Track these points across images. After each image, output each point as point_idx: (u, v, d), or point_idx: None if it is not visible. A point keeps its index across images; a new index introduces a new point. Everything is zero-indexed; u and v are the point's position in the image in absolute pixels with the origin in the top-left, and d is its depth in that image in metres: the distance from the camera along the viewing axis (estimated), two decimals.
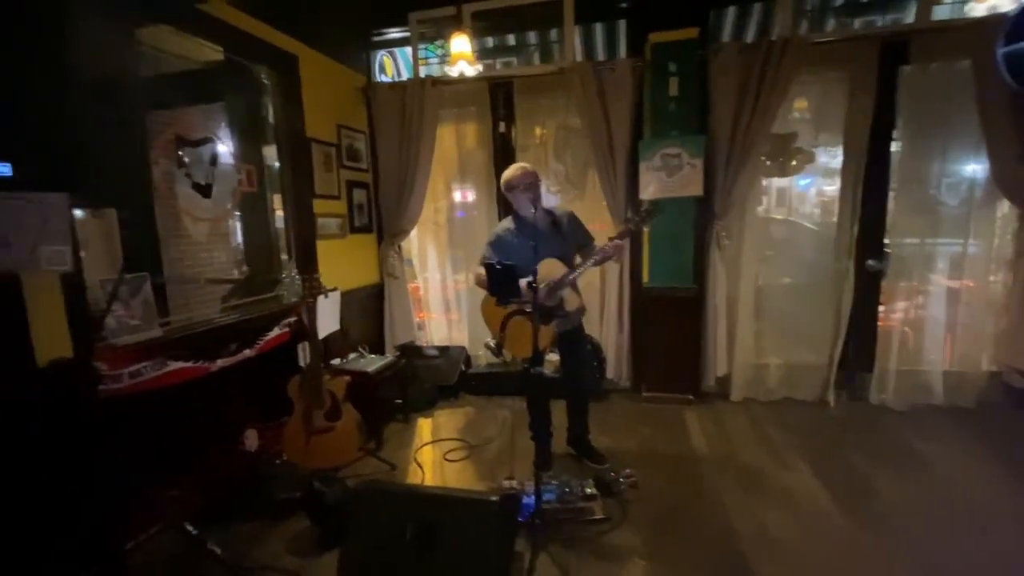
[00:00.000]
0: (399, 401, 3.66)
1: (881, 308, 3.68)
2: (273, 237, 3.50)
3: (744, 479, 2.72)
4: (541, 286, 2.47)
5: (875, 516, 2.36)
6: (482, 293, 2.56)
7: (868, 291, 3.63)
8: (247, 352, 2.83)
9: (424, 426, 3.57)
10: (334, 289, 2.89)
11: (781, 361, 3.83)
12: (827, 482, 2.65)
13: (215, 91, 3.14)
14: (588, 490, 2.46)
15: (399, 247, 4.23)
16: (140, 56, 2.80)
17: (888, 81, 3.40)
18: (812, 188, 3.85)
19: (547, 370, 2.18)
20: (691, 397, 3.74)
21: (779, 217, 3.88)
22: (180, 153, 2.67)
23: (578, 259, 2.51)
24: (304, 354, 3.25)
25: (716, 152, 3.53)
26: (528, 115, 3.94)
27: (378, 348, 4.12)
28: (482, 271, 2.47)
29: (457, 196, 4.38)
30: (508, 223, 2.72)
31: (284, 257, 3.51)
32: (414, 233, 4.35)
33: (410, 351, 4.22)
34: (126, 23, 2.62)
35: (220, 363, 2.66)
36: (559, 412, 2.92)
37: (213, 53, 3.09)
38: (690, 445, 3.13)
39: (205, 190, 2.77)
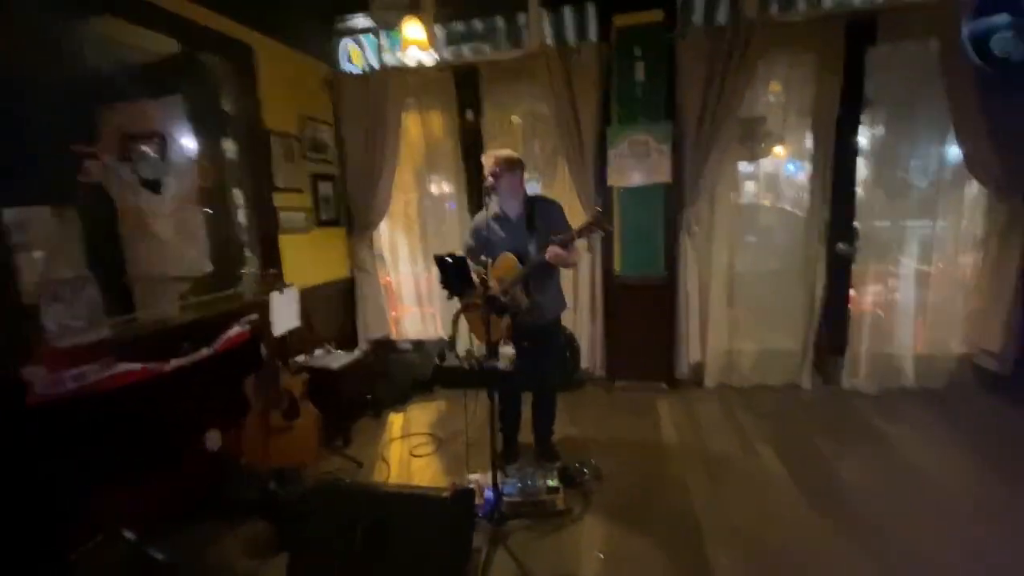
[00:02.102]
0: (371, 397, 3.61)
1: (852, 292, 3.67)
2: (236, 232, 3.43)
3: (711, 467, 2.71)
4: (491, 282, 2.42)
5: (840, 504, 2.35)
6: None
7: (839, 275, 3.61)
8: (204, 351, 2.77)
9: (395, 422, 3.53)
10: (290, 285, 2.83)
11: (754, 347, 3.82)
12: (795, 469, 2.64)
13: (165, 83, 3.04)
14: (551, 482, 2.44)
15: (370, 240, 4.16)
16: (81, 48, 2.72)
17: (856, 62, 3.36)
18: (783, 172, 3.81)
19: (502, 363, 2.12)
20: (664, 385, 3.73)
21: (750, 203, 3.84)
22: (127, 148, 2.59)
23: (527, 260, 2.44)
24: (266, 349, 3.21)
25: (684, 138, 3.49)
26: (496, 103, 3.86)
27: (351, 343, 4.07)
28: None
29: (433, 188, 4.30)
30: (485, 212, 2.65)
31: (248, 253, 3.44)
32: (385, 226, 4.28)
33: (384, 346, 4.17)
34: (65, 14, 2.54)
35: (174, 363, 2.60)
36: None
37: (162, 44, 2.99)
38: (660, 434, 3.12)
39: (154, 186, 2.68)
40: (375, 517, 1.90)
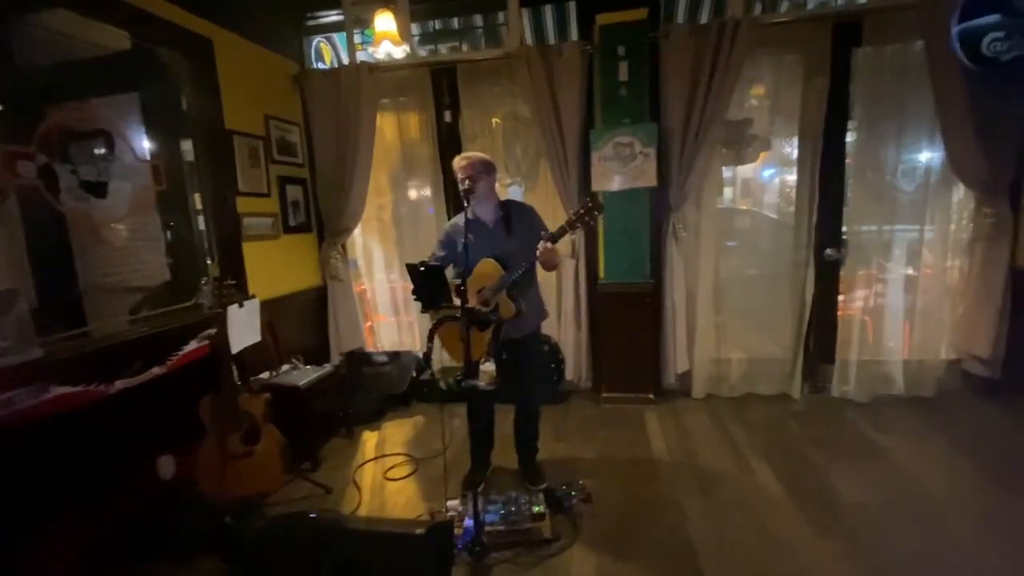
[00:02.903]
0: (343, 414, 3.39)
1: (841, 298, 3.59)
2: (197, 239, 3.19)
3: (705, 485, 2.56)
4: (480, 290, 2.26)
5: (841, 523, 2.22)
6: None
7: (827, 281, 3.53)
8: (156, 370, 2.53)
9: (369, 440, 3.32)
10: (251, 297, 2.61)
11: (743, 356, 3.72)
12: (788, 483, 2.52)
13: (115, 80, 2.82)
14: (536, 508, 2.26)
15: (342, 247, 3.94)
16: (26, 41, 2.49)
17: (842, 64, 3.29)
18: (770, 176, 3.73)
19: (482, 381, 1.95)
20: (652, 396, 3.59)
21: (736, 207, 3.75)
22: (66, 148, 2.35)
23: (511, 266, 2.27)
24: (235, 365, 2.97)
25: (670, 140, 3.37)
26: (474, 103, 3.70)
27: (323, 356, 3.84)
28: None
29: (411, 192, 4.11)
30: (458, 218, 2.47)
31: (209, 262, 3.21)
32: (358, 232, 4.07)
33: (358, 358, 3.95)
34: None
35: (120, 384, 2.36)
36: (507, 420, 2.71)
37: (113, 38, 2.77)
38: (649, 449, 2.97)
39: (98, 189, 2.44)
40: (342, 557, 1.71)
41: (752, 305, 3.69)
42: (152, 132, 2.93)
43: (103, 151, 2.49)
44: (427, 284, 1.91)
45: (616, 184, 3.41)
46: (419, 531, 1.71)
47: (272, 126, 3.50)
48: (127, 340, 2.53)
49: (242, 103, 3.22)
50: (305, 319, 3.85)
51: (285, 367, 3.13)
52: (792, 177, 3.60)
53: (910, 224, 3.45)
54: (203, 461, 2.29)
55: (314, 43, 4.20)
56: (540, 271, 2.43)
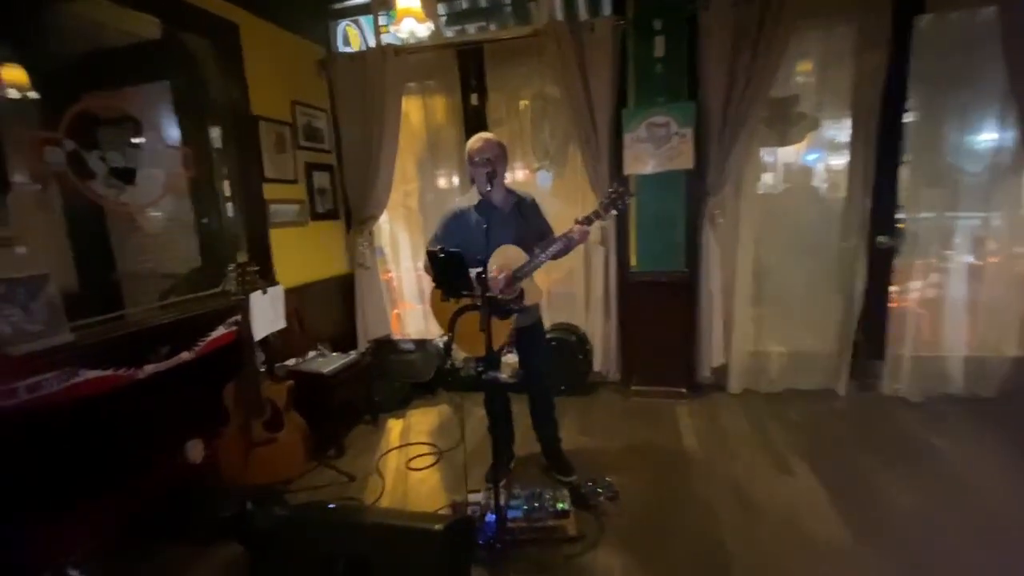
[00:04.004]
0: (369, 402, 3.39)
1: (894, 288, 3.33)
2: (226, 226, 3.21)
3: (740, 487, 2.42)
4: (501, 276, 2.17)
5: (884, 530, 2.06)
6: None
7: (879, 270, 3.28)
8: (185, 355, 2.55)
9: (394, 428, 3.30)
10: (274, 284, 2.60)
11: (784, 349, 3.51)
12: (831, 487, 2.35)
13: (142, 66, 2.83)
14: (560, 505, 2.18)
15: (369, 234, 3.92)
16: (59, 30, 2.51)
17: (902, 34, 3.01)
18: (817, 158, 3.48)
19: (504, 373, 1.86)
20: (684, 390, 3.43)
21: (780, 191, 3.52)
22: (94, 134, 2.37)
23: (537, 248, 2.18)
24: (263, 351, 2.99)
25: (708, 120, 3.17)
26: (501, 85, 3.58)
27: (350, 344, 3.84)
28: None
29: (437, 179, 4.03)
30: (464, 202, 2.39)
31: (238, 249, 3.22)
32: (385, 219, 4.04)
33: (384, 346, 3.93)
34: None
35: (151, 369, 2.39)
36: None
37: (142, 26, 2.77)
38: (680, 445, 2.84)
39: (126, 176, 2.46)
40: (358, 552, 1.67)
41: (794, 295, 3.47)
42: (181, 119, 2.94)
43: (131, 138, 2.50)
44: (448, 271, 1.83)
45: (650, 167, 3.25)
46: (437, 527, 1.65)
47: (298, 112, 3.48)
48: (157, 325, 2.56)
49: (268, 88, 3.20)
50: (332, 306, 3.85)
51: (311, 354, 3.13)
52: (838, 160, 3.35)
53: (974, 210, 3.16)
54: (226, 447, 2.30)
55: (341, 27, 4.14)
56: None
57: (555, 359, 3.47)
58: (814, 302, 3.46)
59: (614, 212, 2.10)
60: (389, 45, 3.52)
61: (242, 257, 3.12)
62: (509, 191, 2.36)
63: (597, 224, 3.37)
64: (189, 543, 2.19)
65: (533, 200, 2.41)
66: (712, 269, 3.35)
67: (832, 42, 3.20)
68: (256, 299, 2.37)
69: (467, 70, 3.59)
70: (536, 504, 2.20)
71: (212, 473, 2.42)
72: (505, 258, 2.18)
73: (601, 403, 3.46)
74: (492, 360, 1.86)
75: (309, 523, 1.80)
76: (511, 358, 1.88)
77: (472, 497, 2.30)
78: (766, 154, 3.44)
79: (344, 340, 3.79)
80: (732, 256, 3.40)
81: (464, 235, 2.27)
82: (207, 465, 2.48)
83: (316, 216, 3.65)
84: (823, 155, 3.48)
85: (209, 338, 2.67)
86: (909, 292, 3.32)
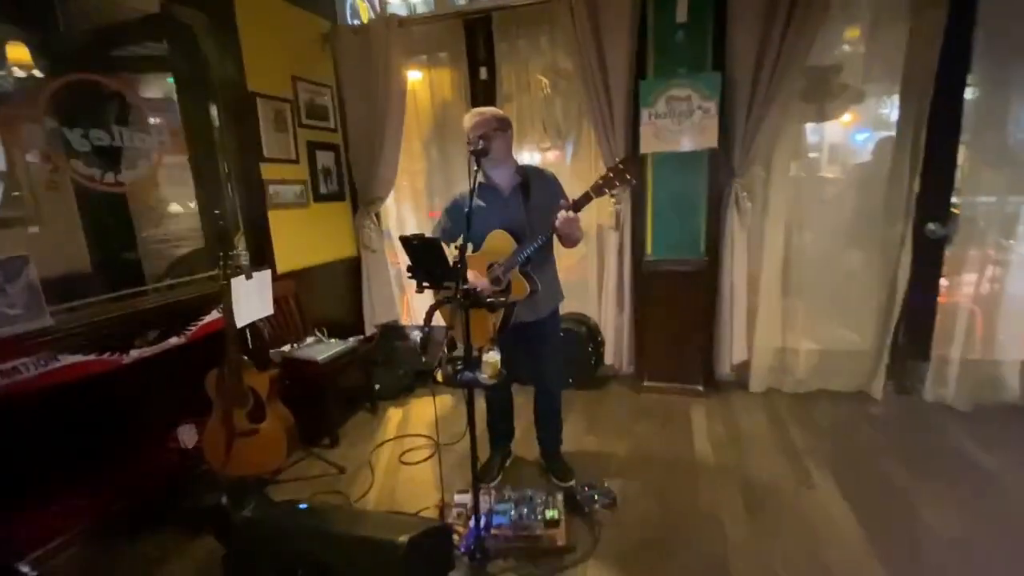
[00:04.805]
0: (369, 390, 3.30)
1: (944, 282, 2.98)
2: (229, 207, 3.14)
3: (753, 498, 2.21)
4: (490, 266, 2.00)
5: (916, 554, 1.82)
6: None
7: (927, 261, 2.93)
8: (174, 340, 2.50)
9: (394, 418, 3.20)
10: (260, 268, 2.50)
11: (813, 346, 3.22)
12: (858, 505, 2.10)
13: (135, 39, 2.75)
14: (550, 513, 2.02)
15: (376, 216, 3.79)
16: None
17: None
18: (865, 140, 3.12)
19: (484, 374, 1.70)
20: (700, 388, 3.20)
21: (816, 172, 3.18)
22: (77, 111, 2.29)
23: (525, 240, 1.99)
24: (255, 337, 2.92)
25: (735, 93, 2.87)
26: (511, 58, 3.34)
27: (357, 329, 3.76)
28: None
29: (444, 159, 3.85)
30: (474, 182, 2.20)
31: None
32: (392, 201, 3.90)
33: (391, 331, 3.83)
34: None
35: (136, 354, 2.34)
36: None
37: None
38: (691, 449, 2.63)
39: (111, 154, 2.38)
40: (319, 560, 1.56)
41: (828, 287, 3.16)
42: (175, 96, 2.86)
43: (118, 115, 2.41)
44: (421, 260, 1.67)
45: (669, 145, 2.98)
46: (402, 539, 1.52)
47: (300, 88, 3.34)
48: (147, 309, 2.51)
49: (267, 64, 3.07)
50: (338, 290, 3.77)
51: (309, 340, 3.05)
52: (884, 138, 2.99)
53: None
54: (209, 437, 2.23)
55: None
56: (558, 247, 2.14)
57: (564, 351, 3.29)
58: (850, 295, 3.15)
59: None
60: (393, 15, 3.33)
61: (240, 239, 3.08)
62: (518, 169, 2.15)
63: (611, 207, 3.22)
64: (173, 533, 2.14)
65: (548, 176, 2.17)
66: (736, 257, 3.08)
67: (882, 4, 2.83)
68: (239, 285, 2.27)
69: (475, 42, 3.36)
70: (525, 510, 2.05)
71: (198, 461, 2.37)
72: (494, 246, 2.01)
73: (611, 399, 3.27)
74: (471, 358, 1.69)
75: (275, 525, 1.71)
76: (492, 356, 1.70)
77: (459, 498, 2.18)
78: (809, 134, 3.11)
79: (350, 326, 3.71)
80: (759, 243, 3.12)
81: (457, 221, 2.10)
82: (194, 453, 2.43)
83: (319, 197, 3.54)
84: (872, 136, 3.11)
85: (201, 323, 2.62)
86: (961, 286, 2.96)
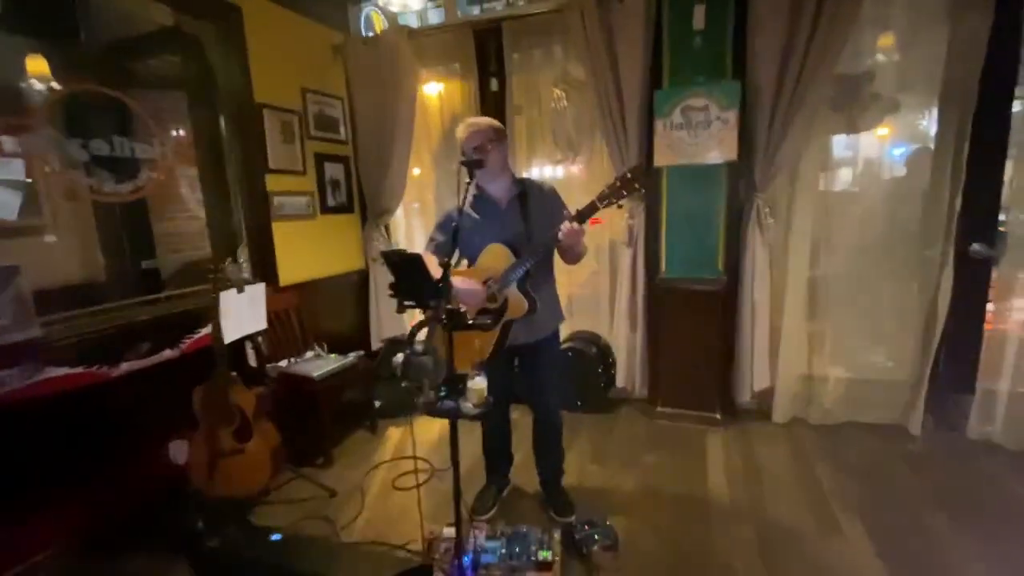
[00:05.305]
0: (378, 405, 3.20)
1: (990, 307, 2.72)
2: (236, 218, 3.11)
3: (769, 542, 2.00)
4: (486, 281, 1.88)
5: None
6: None
7: (971, 284, 2.68)
8: (168, 353, 2.45)
9: (393, 438, 3.09)
10: (251, 282, 2.44)
11: (844, 374, 2.98)
12: (890, 555, 1.88)
13: (144, 51, 2.76)
14: (543, 554, 1.86)
15: (385, 229, 3.73)
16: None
17: None
18: (903, 155, 2.90)
19: (469, 403, 1.57)
20: (718, 416, 2.99)
21: (846, 187, 2.97)
22: (76, 121, 2.29)
23: (524, 253, 1.86)
24: (252, 354, 2.87)
25: (757, 102, 2.70)
26: (521, 69, 3.26)
27: (364, 344, 3.68)
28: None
29: (454, 172, 3.78)
30: (469, 196, 2.10)
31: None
32: (402, 214, 3.84)
33: (396, 346, 3.74)
34: None
35: (126, 367, 2.30)
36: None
37: (147, 8, 2.70)
38: (704, 484, 2.43)
39: (111, 164, 2.37)
40: None
41: (859, 310, 2.92)
42: (181, 106, 2.86)
43: (119, 125, 2.41)
44: (404, 277, 1.56)
45: (684, 158, 2.82)
46: None
47: (310, 100, 3.32)
48: (136, 321, 2.46)
49: (275, 75, 3.05)
50: (345, 304, 3.70)
51: (308, 354, 2.97)
52: (922, 151, 2.77)
53: None
54: (194, 455, 2.16)
55: (364, 12, 3.96)
56: (560, 266, 2.01)
57: (572, 372, 3.14)
58: (884, 319, 2.91)
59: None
60: (404, 27, 3.29)
61: (243, 250, 3.04)
62: (516, 181, 2.05)
63: (625, 221, 3.07)
64: (152, 555, 2.06)
65: (548, 189, 2.05)
66: (757, 277, 2.88)
67: (919, 5, 2.63)
68: (229, 298, 2.21)
69: (486, 53, 3.28)
70: (517, 548, 1.90)
71: (185, 480, 2.29)
72: (489, 261, 1.89)
73: (621, 424, 3.08)
74: (454, 384, 1.57)
75: (243, 557, 1.60)
76: (478, 383, 1.57)
77: (448, 531, 2.03)
78: (842, 147, 2.91)
79: (356, 340, 3.63)
80: (783, 262, 2.92)
81: (448, 235, 1.99)
82: (181, 472, 2.36)
83: (327, 209, 3.50)
84: (910, 150, 2.89)
85: (197, 335, 2.56)
86: (1009, 312, 2.69)
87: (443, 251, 1.95)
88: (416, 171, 3.82)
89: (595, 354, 3.19)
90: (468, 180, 1.82)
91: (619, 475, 2.53)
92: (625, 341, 3.18)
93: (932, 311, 2.71)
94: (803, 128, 2.67)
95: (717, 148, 2.76)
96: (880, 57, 2.81)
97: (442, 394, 1.61)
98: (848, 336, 2.99)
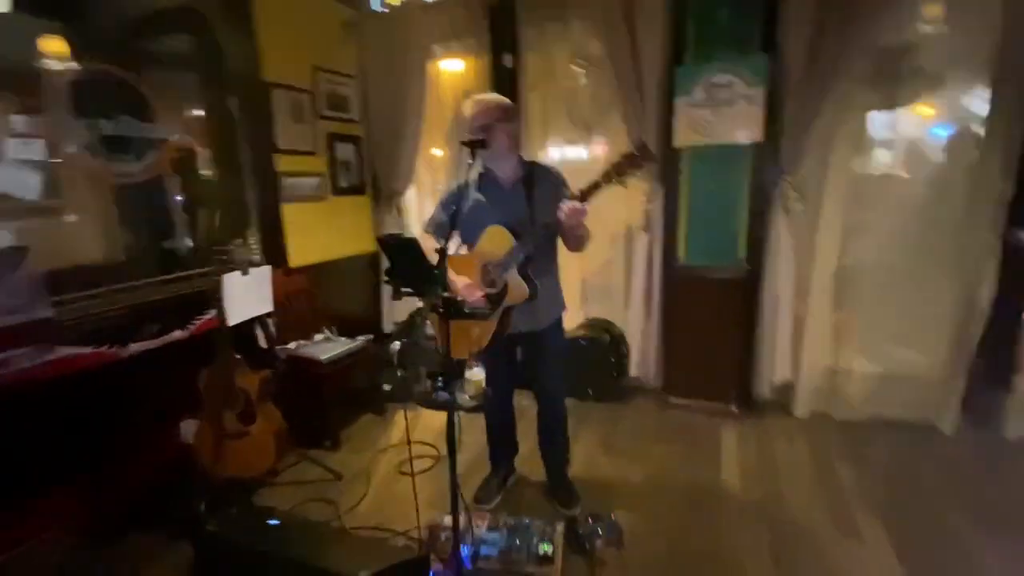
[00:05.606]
0: (387, 389, 3.19)
1: None
2: (245, 198, 3.09)
3: (782, 543, 1.91)
4: (485, 265, 1.81)
5: None
6: None
7: (1015, 275, 2.49)
8: (177, 334, 2.46)
9: (401, 422, 3.06)
10: (256, 263, 2.41)
11: (871, 367, 2.83)
12: (914, 567, 1.77)
13: (150, 28, 2.72)
14: (544, 547, 1.81)
15: (397, 210, 3.68)
16: None
17: None
18: (936, 127, 2.69)
19: (467, 394, 1.52)
20: (734, 408, 2.88)
21: (881, 170, 2.78)
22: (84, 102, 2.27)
23: (526, 235, 1.78)
24: (263, 335, 2.87)
25: (786, 78, 2.53)
26: (536, 44, 3.12)
27: (375, 326, 3.66)
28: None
29: (466, 152, 3.69)
30: (472, 174, 2.01)
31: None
32: (414, 195, 3.78)
33: (409, 329, 3.71)
34: None
35: (135, 348, 2.32)
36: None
37: None
38: (717, 479, 2.34)
39: (117, 144, 2.36)
40: None
41: (891, 301, 2.76)
42: (189, 85, 2.83)
43: (125, 105, 2.39)
44: (400, 262, 1.50)
45: (706, 138, 2.67)
46: (362, 574, 1.36)
47: (321, 78, 3.26)
48: (145, 302, 2.47)
49: (284, 53, 3.00)
50: (357, 286, 3.68)
51: (317, 337, 2.96)
52: (967, 131, 2.56)
53: None
54: (200, 437, 2.17)
55: None
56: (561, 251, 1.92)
57: (583, 359, 3.06)
58: (918, 310, 2.74)
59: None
60: (415, 0, 3.18)
61: (252, 233, 3.03)
62: (522, 162, 1.96)
63: (642, 205, 2.95)
64: (159, 535, 2.09)
65: (553, 172, 1.96)
66: (782, 265, 2.74)
67: None
68: (233, 281, 2.19)
69: (499, 28, 3.15)
70: (518, 540, 1.86)
71: (192, 462, 2.31)
72: (490, 243, 1.81)
73: (633, 414, 3.00)
74: (449, 375, 1.51)
75: (238, 542, 1.59)
76: (476, 374, 1.51)
77: (447, 521, 2.00)
78: (879, 126, 2.71)
79: (368, 323, 3.61)
80: (809, 249, 2.76)
81: (450, 216, 1.92)
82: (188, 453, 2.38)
83: (339, 191, 3.46)
84: (951, 127, 2.68)
85: (207, 316, 2.57)
86: None
87: (442, 232, 1.88)
88: (438, 152, 3.75)
89: (608, 342, 3.10)
90: (470, 161, 1.73)
91: (627, 467, 2.46)
92: (639, 329, 3.08)
93: (971, 303, 2.53)
94: (836, 106, 2.50)
95: (742, 127, 2.61)
96: (925, 29, 2.59)
97: (439, 384, 1.55)
98: (877, 328, 2.83)
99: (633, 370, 3.13)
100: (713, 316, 2.86)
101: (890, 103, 2.66)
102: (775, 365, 2.84)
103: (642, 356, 3.11)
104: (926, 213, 2.66)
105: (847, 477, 2.31)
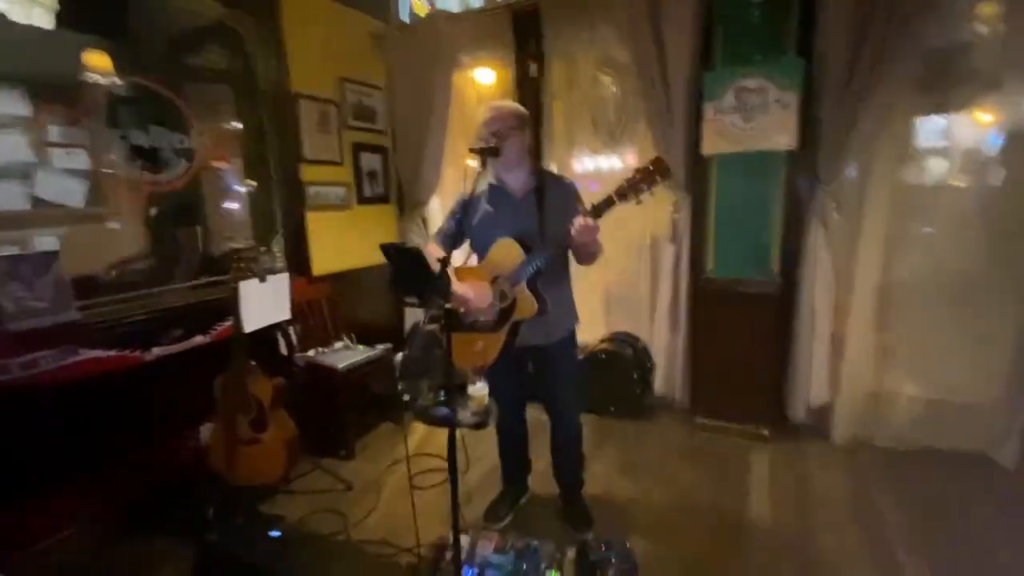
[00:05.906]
0: (406, 399, 3.16)
1: None
2: (272, 207, 3.15)
3: None
4: (495, 279, 1.75)
5: None
6: None
7: None
8: (199, 339, 2.51)
9: (418, 432, 3.02)
10: (276, 271, 2.43)
11: (919, 393, 2.61)
12: None
13: (181, 41, 2.82)
14: (552, 574, 1.72)
15: (422, 220, 3.68)
16: None
17: None
18: (994, 134, 2.48)
19: (468, 411, 1.45)
20: (766, 432, 2.71)
21: (930, 180, 2.58)
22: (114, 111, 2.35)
23: (537, 249, 1.72)
24: (284, 342, 2.89)
25: (824, 80, 2.39)
26: (560, 52, 3.07)
27: (397, 336, 3.66)
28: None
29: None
30: (483, 184, 1.97)
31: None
32: (438, 206, 3.77)
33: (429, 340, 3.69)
34: None
35: (158, 352, 2.37)
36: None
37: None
38: (743, 509, 2.19)
39: (148, 154, 2.43)
40: None
41: (941, 321, 2.54)
42: (227, 98, 2.91)
43: (156, 116, 2.46)
44: (403, 271, 1.46)
45: (736, 145, 2.55)
46: None
47: (348, 89, 3.30)
48: (169, 307, 2.52)
49: (311, 64, 3.05)
50: (379, 296, 3.68)
51: (337, 345, 2.97)
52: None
53: None
54: (213, 443, 2.18)
55: None
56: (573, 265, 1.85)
57: (606, 374, 2.95)
58: (974, 330, 2.51)
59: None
60: (441, 11, 3.19)
61: (276, 240, 3.07)
62: (534, 172, 1.91)
63: (668, 214, 2.84)
64: (169, 537, 2.10)
65: (566, 183, 1.90)
66: (820, 280, 2.58)
67: None
68: (250, 288, 2.20)
69: (524, 36, 3.12)
70: (525, 565, 1.77)
71: (206, 467, 2.33)
72: (498, 256, 1.75)
73: (657, 434, 2.86)
74: (451, 390, 1.45)
75: (236, 553, 1.57)
76: (480, 390, 1.45)
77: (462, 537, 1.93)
78: (918, 129, 2.53)
79: (391, 331, 3.60)
80: (850, 264, 2.59)
81: (457, 225, 1.89)
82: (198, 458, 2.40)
83: (364, 200, 3.49)
84: (1010, 132, 2.46)
85: (228, 323, 2.60)
86: None
87: (448, 243, 1.84)
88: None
89: (631, 356, 2.98)
90: (480, 169, 1.69)
91: (648, 490, 2.34)
92: (665, 344, 2.96)
93: None
94: (878, 111, 2.33)
95: (775, 134, 2.47)
96: (980, 26, 2.40)
97: (440, 399, 1.50)
98: (926, 348, 2.61)
99: (658, 387, 3.00)
100: (744, 331, 2.71)
101: (942, 108, 2.47)
102: (811, 385, 2.67)
103: (668, 372, 2.98)
104: (981, 226, 2.45)
105: (889, 512, 2.12)
